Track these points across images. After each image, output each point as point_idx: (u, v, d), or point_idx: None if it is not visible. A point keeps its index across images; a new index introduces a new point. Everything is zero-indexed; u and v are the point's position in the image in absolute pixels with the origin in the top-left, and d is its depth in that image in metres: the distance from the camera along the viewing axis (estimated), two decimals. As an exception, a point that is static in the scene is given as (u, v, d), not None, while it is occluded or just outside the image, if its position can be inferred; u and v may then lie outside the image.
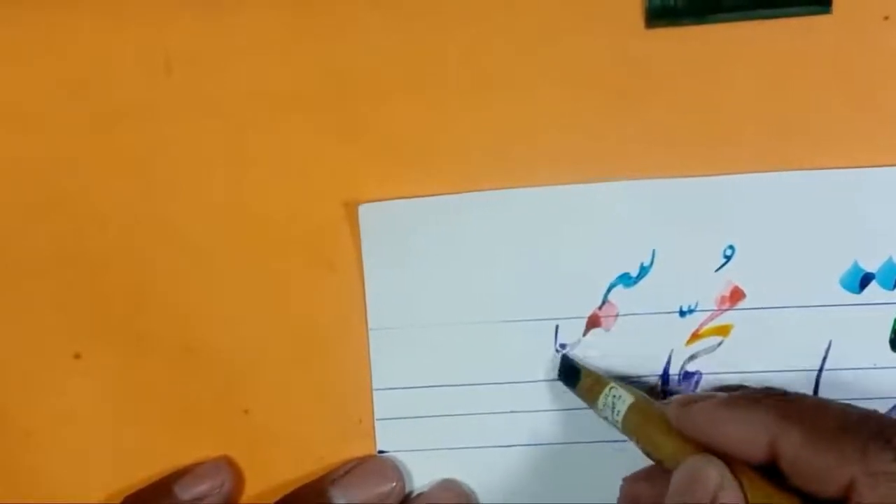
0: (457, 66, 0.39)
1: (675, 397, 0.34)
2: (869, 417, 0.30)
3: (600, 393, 0.36)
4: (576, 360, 0.38)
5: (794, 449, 0.30)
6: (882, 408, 0.36)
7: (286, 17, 0.39)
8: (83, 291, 0.41)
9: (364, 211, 0.39)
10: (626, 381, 0.37)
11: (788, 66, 0.37)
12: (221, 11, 0.39)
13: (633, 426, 0.35)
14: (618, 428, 0.36)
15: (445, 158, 0.39)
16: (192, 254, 0.40)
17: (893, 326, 0.37)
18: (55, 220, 0.41)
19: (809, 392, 0.37)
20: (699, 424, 0.32)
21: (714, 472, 0.31)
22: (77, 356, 0.41)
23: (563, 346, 0.38)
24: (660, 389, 0.38)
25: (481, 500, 0.39)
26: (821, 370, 0.37)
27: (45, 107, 0.40)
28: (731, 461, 0.31)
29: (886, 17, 0.37)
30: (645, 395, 0.36)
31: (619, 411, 0.35)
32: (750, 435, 0.31)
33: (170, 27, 0.40)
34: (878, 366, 0.37)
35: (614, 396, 0.36)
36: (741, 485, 0.31)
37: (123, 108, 0.40)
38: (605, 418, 0.36)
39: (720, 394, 0.34)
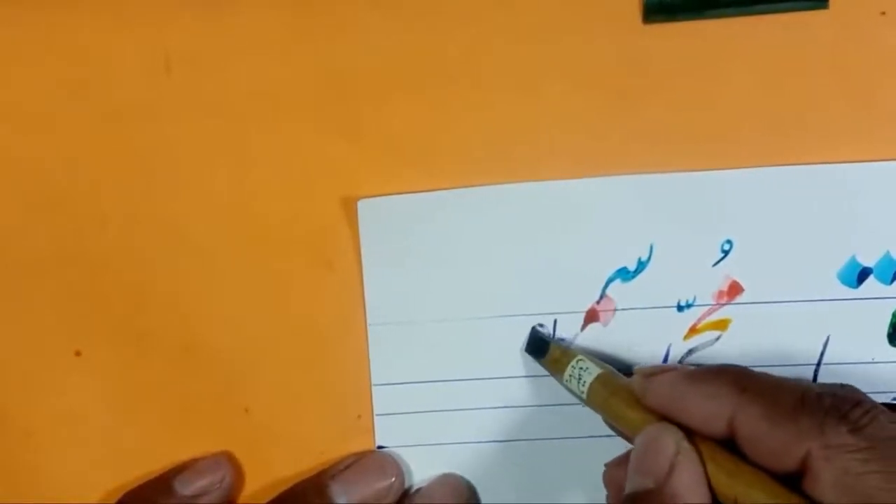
0: (455, 65, 0.39)
1: (638, 368, 0.35)
2: (826, 393, 0.30)
3: (567, 364, 0.36)
4: (544, 334, 0.38)
5: (753, 424, 0.30)
6: (880, 402, 0.37)
7: (285, 17, 0.39)
8: (83, 290, 0.41)
9: (363, 206, 0.39)
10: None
11: (785, 61, 0.37)
12: (221, 11, 0.40)
13: (598, 398, 0.35)
14: (582, 400, 0.36)
15: (445, 157, 0.39)
16: (193, 252, 0.40)
17: (891, 321, 0.37)
18: (56, 218, 0.41)
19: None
20: (662, 397, 0.33)
21: (671, 440, 0.31)
22: (77, 354, 0.41)
23: (560, 340, 0.38)
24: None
25: (480, 495, 0.39)
26: (819, 364, 0.37)
27: (46, 106, 0.41)
28: (691, 433, 0.32)
29: (883, 13, 0.37)
30: (612, 368, 0.36)
31: (584, 382, 0.35)
32: (710, 409, 0.31)
33: (170, 27, 0.40)
34: (876, 360, 0.37)
35: (581, 368, 0.36)
36: (700, 454, 0.31)
37: (123, 108, 0.40)
38: (571, 390, 0.36)
39: (684, 366, 0.34)
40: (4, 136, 0.41)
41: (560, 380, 0.37)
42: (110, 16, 0.40)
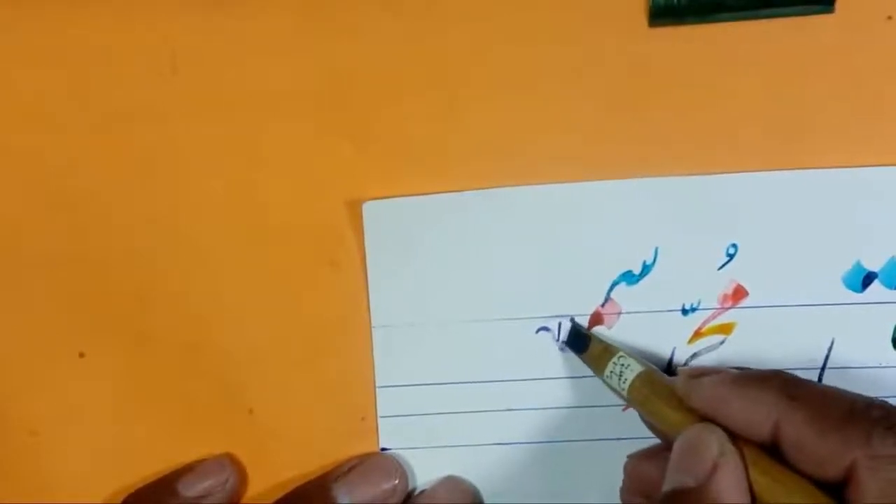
0: (461, 68, 0.39)
1: (683, 368, 0.35)
2: (874, 405, 0.30)
3: (608, 361, 0.36)
4: (585, 328, 0.38)
5: (798, 431, 0.30)
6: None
7: (291, 17, 0.39)
8: (88, 290, 0.41)
9: (368, 208, 0.39)
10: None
11: (791, 65, 0.37)
12: (228, 12, 0.40)
13: (639, 395, 0.35)
14: (623, 397, 0.36)
15: (450, 159, 0.39)
16: (197, 253, 0.40)
17: (896, 325, 0.37)
18: (60, 218, 0.41)
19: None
20: (706, 399, 0.33)
21: (715, 441, 0.31)
22: (81, 355, 0.41)
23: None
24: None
25: (485, 498, 0.39)
26: (823, 368, 0.37)
27: (51, 107, 0.41)
28: (734, 436, 0.32)
29: (889, 17, 0.37)
30: (653, 366, 0.36)
31: (626, 379, 0.35)
32: (756, 414, 0.31)
33: (176, 27, 0.40)
34: (881, 365, 0.37)
35: (622, 365, 0.36)
36: (743, 457, 0.31)
37: (129, 108, 0.40)
38: (611, 387, 0.36)
39: (729, 369, 0.34)
40: (11, 137, 0.41)
41: (599, 376, 0.37)
42: (117, 16, 0.40)
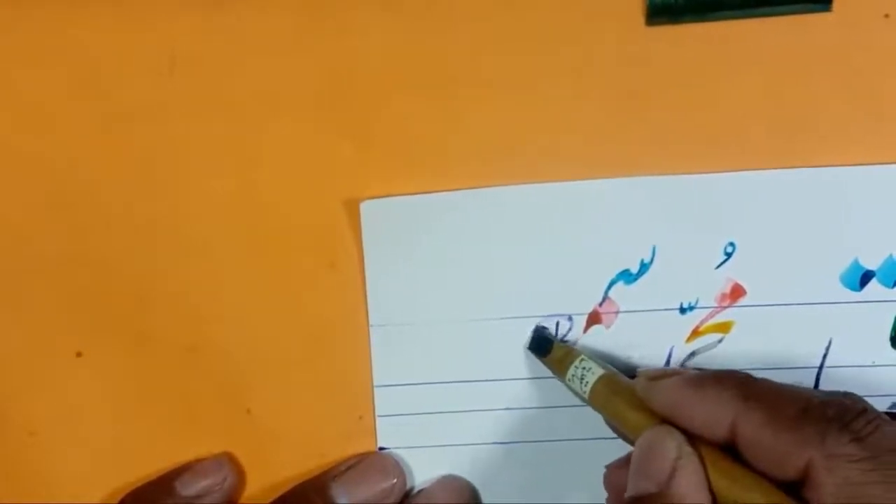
0: (459, 67, 0.39)
1: (642, 370, 0.35)
2: (829, 402, 0.30)
3: (570, 364, 0.36)
4: (548, 333, 0.38)
5: (754, 430, 0.30)
6: (881, 405, 0.37)
7: (289, 17, 0.39)
8: (86, 289, 0.41)
9: (366, 208, 0.39)
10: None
11: (789, 63, 0.37)
12: (226, 11, 0.40)
13: (600, 398, 0.35)
14: (585, 400, 0.36)
15: (448, 158, 0.39)
16: (195, 252, 0.40)
17: (894, 324, 0.37)
18: (58, 218, 0.41)
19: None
20: (665, 401, 0.33)
21: (673, 444, 0.31)
22: (79, 354, 0.41)
23: (563, 340, 0.38)
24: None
25: (482, 496, 0.39)
26: (821, 367, 0.37)
27: (50, 107, 0.41)
28: (693, 437, 0.32)
29: (887, 15, 0.37)
30: (615, 370, 0.36)
31: (587, 382, 0.36)
32: (713, 414, 0.31)
33: (176, 27, 0.40)
34: (877, 363, 0.37)
35: (584, 368, 0.36)
36: (701, 459, 0.31)
37: (127, 108, 0.40)
38: (573, 390, 0.36)
39: (688, 370, 0.34)
40: (9, 137, 0.41)
41: (562, 379, 0.37)
42: (115, 16, 0.40)
